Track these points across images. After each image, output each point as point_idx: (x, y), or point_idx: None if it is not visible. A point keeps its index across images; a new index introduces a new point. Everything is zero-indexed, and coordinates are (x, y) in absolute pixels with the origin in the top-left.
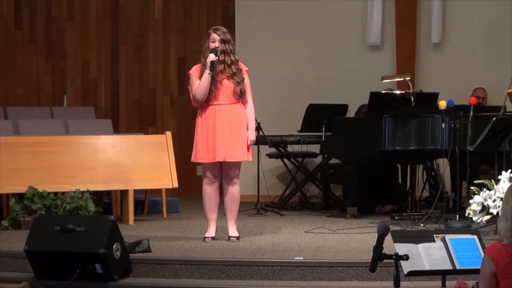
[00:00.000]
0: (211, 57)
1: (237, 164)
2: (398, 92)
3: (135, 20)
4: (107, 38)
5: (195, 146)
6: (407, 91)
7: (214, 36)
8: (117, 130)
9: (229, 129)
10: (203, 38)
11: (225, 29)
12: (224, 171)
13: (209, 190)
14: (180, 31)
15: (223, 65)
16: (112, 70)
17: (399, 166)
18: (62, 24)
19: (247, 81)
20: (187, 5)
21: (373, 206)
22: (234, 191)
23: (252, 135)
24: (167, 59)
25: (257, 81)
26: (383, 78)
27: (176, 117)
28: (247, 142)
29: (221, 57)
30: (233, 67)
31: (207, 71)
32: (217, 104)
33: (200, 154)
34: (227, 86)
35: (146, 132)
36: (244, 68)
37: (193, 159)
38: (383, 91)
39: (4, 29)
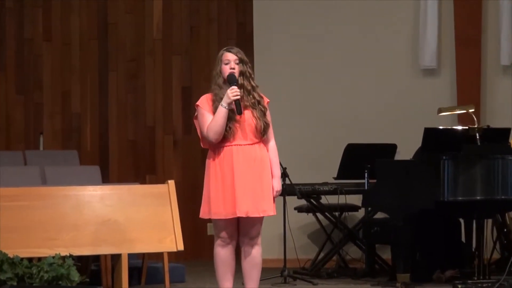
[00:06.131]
0: (234, 91)
1: (260, 220)
2: (459, 127)
3: (129, 41)
4: (94, 64)
5: (205, 198)
6: (470, 126)
7: (228, 55)
8: (106, 179)
9: (251, 177)
10: (213, 62)
11: (239, 49)
12: (243, 230)
13: (223, 254)
14: (184, 54)
15: (242, 91)
16: (100, 104)
17: (462, 221)
18: (37, 46)
19: (268, 115)
20: (193, 21)
21: (430, 272)
22: (256, 254)
23: (278, 185)
24: (169, 89)
25: (281, 116)
26: (440, 111)
27: (181, 161)
28: (272, 193)
29: (240, 80)
30: (254, 94)
31: (223, 104)
32: (235, 145)
33: (215, 208)
34: (247, 120)
35: (143, 181)
36: (265, 99)
37: (202, 215)
38: (441, 127)
39: None
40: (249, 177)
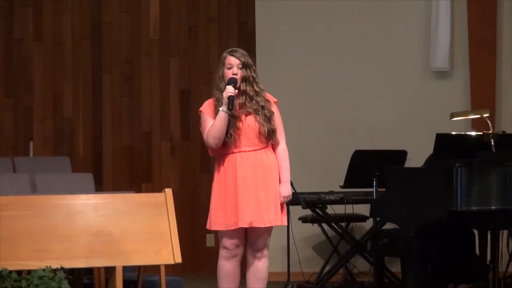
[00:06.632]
0: (229, 90)
1: (268, 231)
2: (473, 133)
3: (124, 41)
4: (87, 65)
5: (210, 208)
6: (485, 132)
7: (231, 59)
8: (100, 187)
9: (255, 184)
10: (213, 64)
11: (244, 52)
12: (250, 240)
13: (228, 267)
14: (183, 55)
15: (244, 97)
16: (94, 108)
17: (475, 232)
18: (27, 47)
19: (277, 116)
20: (192, 21)
21: (442, 286)
22: (261, 267)
23: (286, 190)
24: (166, 92)
25: (283, 120)
26: (453, 115)
27: (179, 168)
28: (279, 200)
29: (242, 86)
30: (258, 99)
31: (223, 108)
32: (238, 152)
33: (215, 219)
34: (250, 126)
35: (139, 189)
36: (272, 99)
37: (208, 226)
38: (454, 133)
39: None
40: (253, 185)
